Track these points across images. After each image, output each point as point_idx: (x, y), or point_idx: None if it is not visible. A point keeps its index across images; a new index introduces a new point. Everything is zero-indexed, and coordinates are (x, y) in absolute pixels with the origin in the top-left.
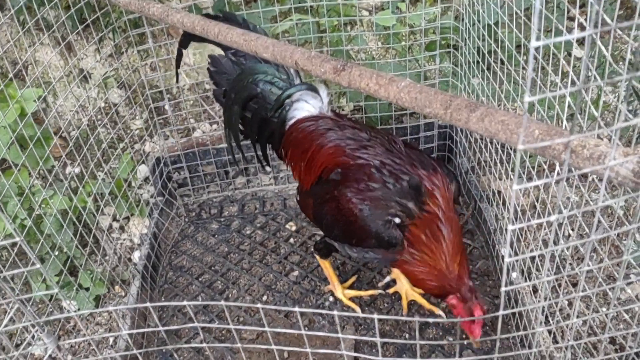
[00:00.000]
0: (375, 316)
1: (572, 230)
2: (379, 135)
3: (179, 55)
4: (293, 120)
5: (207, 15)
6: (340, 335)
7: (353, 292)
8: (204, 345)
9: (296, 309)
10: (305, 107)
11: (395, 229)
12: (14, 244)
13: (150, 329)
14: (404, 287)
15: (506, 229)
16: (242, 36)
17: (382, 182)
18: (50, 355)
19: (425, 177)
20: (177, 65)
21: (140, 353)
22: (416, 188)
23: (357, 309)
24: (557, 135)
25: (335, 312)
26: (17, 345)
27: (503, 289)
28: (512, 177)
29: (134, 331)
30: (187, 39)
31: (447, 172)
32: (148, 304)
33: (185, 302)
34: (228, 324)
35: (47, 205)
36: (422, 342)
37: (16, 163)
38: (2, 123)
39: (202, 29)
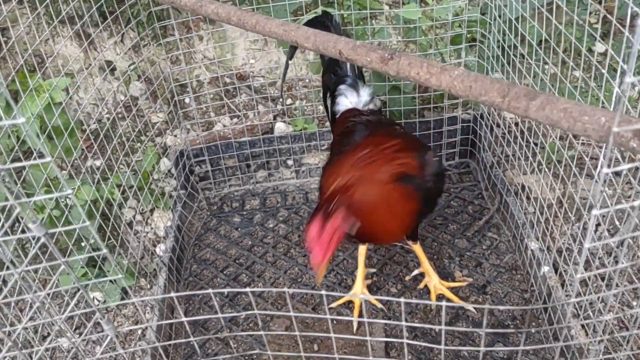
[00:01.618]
0: (444, 303)
1: (599, 225)
2: (377, 124)
3: (286, 68)
4: (338, 115)
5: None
6: (404, 323)
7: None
8: (262, 332)
9: (361, 296)
10: (344, 101)
11: None
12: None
13: (212, 315)
14: (432, 281)
15: (532, 223)
16: (281, 27)
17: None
18: (74, 348)
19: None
20: (283, 79)
21: (173, 344)
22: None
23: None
24: (625, 123)
25: (402, 300)
26: (44, 338)
27: (577, 275)
28: (537, 171)
29: (196, 318)
30: (293, 50)
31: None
32: (219, 290)
33: (248, 289)
34: (259, 314)
35: (76, 196)
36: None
37: (42, 153)
38: (32, 112)
39: (239, 19)
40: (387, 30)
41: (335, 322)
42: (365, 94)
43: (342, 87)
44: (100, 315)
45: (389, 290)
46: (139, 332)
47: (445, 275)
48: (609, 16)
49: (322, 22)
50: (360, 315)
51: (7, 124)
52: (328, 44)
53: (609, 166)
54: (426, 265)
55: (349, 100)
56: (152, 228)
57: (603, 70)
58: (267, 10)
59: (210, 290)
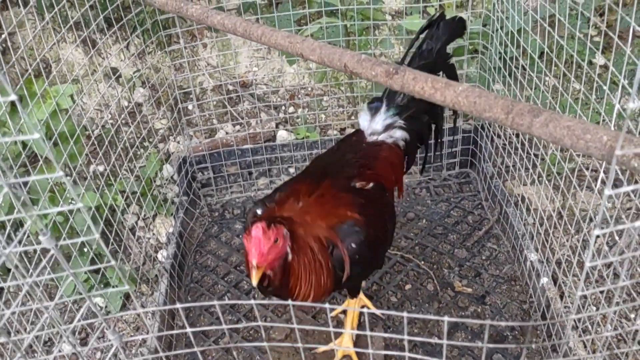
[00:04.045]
0: (445, 318)
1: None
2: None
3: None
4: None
5: None
6: (406, 337)
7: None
8: (265, 343)
9: (366, 309)
10: (361, 118)
11: (251, 216)
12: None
13: (215, 327)
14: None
15: (531, 234)
16: (287, 39)
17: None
18: (74, 354)
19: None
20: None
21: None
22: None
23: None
24: (627, 143)
25: (405, 314)
26: (45, 343)
27: (578, 293)
28: (537, 183)
29: (199, 329)
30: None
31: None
32: (224, 302)
33: (252, 302)
34: (258, 323)
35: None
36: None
37: (48, 159)
38: (38, 118)
39: (244, 30)
40: (390, 40)
41: (334, 332)
42: (380, 121)
43: (365, 104)
44: (107, 325)
45: (389, 300)
46: (140, 338)
47: (444, 285)
48: (609, 33)
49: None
50: (360, 326)
51: (20, 139)
52: (333, 56)
53: (612, 187)
54: (348, 328)
55: (362, 120)
56: (154, 234)
57: (605, 87)
58: (272, 19)
59: (215, 302)
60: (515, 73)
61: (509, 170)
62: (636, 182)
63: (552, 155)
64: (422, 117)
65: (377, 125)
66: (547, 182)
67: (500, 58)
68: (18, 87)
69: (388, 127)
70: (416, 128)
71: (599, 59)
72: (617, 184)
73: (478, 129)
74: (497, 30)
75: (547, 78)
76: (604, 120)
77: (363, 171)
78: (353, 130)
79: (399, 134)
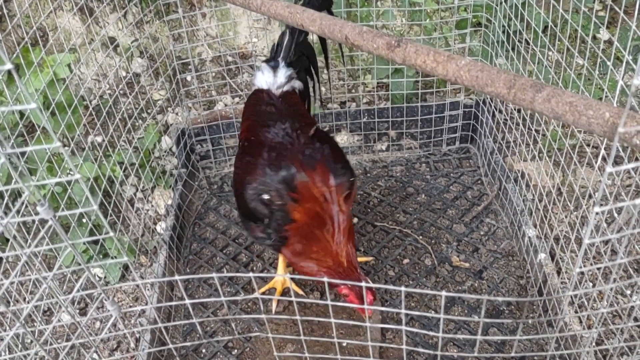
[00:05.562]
0: (443, 293)
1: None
2: (292, 119)
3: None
4: (254, 88)
5: None
6: (403, 311)
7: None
8: (263, 315)
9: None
10: (260, 78)
11: (262, 204)
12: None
13: (214, 299)
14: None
15: (530, 210)
16: (287, 8)
17: (265, 163)
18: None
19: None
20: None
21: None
22: (287, 181)
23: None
24: (630, 119)
25: (402, 288)
26: (45, 312)
27: (576, 270)
28: (537, 159)
29: (198, 300)
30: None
31: (333, 168)
32: (223, 274)
33: (251, 274)
34: (257, 295)
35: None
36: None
37: (45, 129)
38: (35, 88)
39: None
40: (392, 12)
41: (331, 305)
42: (282, 75)
43: (263, 64)
44: (105, 296)
45: (386, 274)
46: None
47: (442, 259)
48: (615, 7)
49: None
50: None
51: (17, 109)
52: (334, 28)
53: (613, 164)
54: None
55: (264, 79)
56: (152, 206)
57: (608, 63)
58: None
59: (214, 274)
60: (518, 47)
61: (509, 146)
62: (637, 159)
63: (553, 131)
64: (303, 70)
65: (281, 79)
66: (547, 158)
67: (503, 31)
68: (15, 55)
69: (289, 79)
70: (303, 78)
71: (604, 34)
72: (617, 161)
73: (479, 103)
74: (501, 3)
75: (550, 53)
76: (606, 97)
77: (302, 119)
78: (350, 102)
79: (297, 84)
